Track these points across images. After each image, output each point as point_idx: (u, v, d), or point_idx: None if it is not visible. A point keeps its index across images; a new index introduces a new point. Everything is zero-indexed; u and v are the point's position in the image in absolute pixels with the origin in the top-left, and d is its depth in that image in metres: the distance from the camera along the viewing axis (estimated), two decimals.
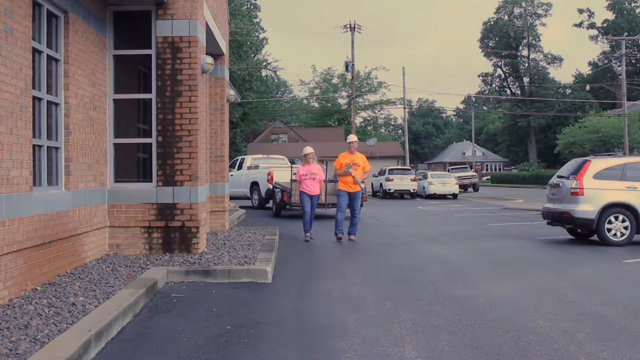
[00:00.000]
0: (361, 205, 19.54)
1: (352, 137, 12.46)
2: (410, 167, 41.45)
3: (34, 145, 6.55)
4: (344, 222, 12.23)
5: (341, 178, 12.16)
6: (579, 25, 78.07)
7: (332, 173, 13.62)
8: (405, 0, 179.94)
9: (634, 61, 70.47)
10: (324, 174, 12.68)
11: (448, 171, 43.62)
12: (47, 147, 7.07)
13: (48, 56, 7.05)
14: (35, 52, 6.68)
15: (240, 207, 20.02)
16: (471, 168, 56.52)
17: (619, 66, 53.56)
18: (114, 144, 8.94)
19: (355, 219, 12.25)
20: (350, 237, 12.13)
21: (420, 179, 34.60)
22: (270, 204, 20.67)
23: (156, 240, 8.79)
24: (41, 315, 5.25)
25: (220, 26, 12.27)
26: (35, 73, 6.66)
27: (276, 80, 73.72)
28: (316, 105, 70.77)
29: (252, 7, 50.59)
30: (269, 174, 19.82)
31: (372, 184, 36.78)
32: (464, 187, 41.53)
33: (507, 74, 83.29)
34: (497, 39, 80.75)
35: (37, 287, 6.31)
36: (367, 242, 12.19)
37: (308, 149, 12.51)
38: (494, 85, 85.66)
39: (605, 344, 5.06)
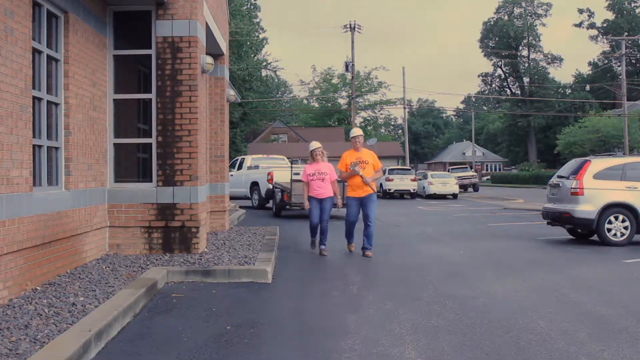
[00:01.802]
0: None
1: (357, 131, 10.25)
2: (410, 167, 41.47)
3: (34, 145, 6.55)
4: (352, 233, 10.48)
5: (349, 182, 10.11)
6: (579, 25, 78.12)
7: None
8: (405, 1, 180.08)
9: (634, 61, 70.49)
10: (337, 174, 10.42)
11: (448, 171, 43.65)
12: (47, 147, 7.07)
13: (48, 56, 7.05)
14: (35, 52, 6.68)
15: (240, 207, 20.02)
16: (471, 168, 56.53)
17: (619, 66, 53.55)
18: (114, 144, 8.94)
19: (370, 229, 9.85)
20: (366, 253, 9.89)
21: (420, 179, 34.60)
22: (270, 204, 20.68)
23: (156, 240, 8.79)
24: (41, 315, 5.25)
25: (220, 26, 12.27)
26: (35, 73, 6.66)
27: (276, 80, 73.73)
28: (316, 105, 70.83)
29: (252, 7, 50.59)
30: (269, 174, 19.82)
31: None
32: (464, 187, 41.55)
33: (507, 74, 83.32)
34: (497, 39, 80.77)
35: (37, 287, 6.31)
36: None
37: (314, 144, 10.29)
38: (494, 85, 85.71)
39: (605, 344, 5.06)
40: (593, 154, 37.20)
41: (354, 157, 10.04)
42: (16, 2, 5.96)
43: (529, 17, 79.87)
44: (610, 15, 76.07)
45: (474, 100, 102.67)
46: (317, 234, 10.29)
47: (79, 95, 7.73)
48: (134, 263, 7.95)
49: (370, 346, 4.97)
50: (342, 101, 65.96)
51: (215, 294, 6.91)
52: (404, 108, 52.37)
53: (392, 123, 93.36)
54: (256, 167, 23.12)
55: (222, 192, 12.77)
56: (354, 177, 9.88)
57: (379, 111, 69.42)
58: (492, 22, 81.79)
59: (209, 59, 9.43)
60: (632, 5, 74.79)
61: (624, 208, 11.64)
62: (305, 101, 76.17)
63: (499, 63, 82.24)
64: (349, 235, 10.44)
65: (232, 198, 20.16)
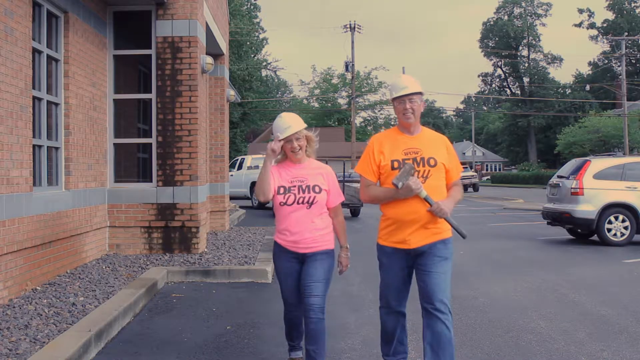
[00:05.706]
0: (361, 205, 19.26)
1: (407, 81, 3.89)
2: None
3: (34, 145, 6.55)
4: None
5: (387, 209, 4.01)
6: (579, 25, 78.05)
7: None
8: (405, 1, 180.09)
9: (634, 61, 70.45)
10: (338, 183, 4.54)
11: None
12: (47, 147, 7.07)
13: (48, 56, 7.05)
14: (35, 52, 6.68)
15: (240, 207, 20.03)
16: (471, 168, 56.51)
17: (619, 66, 53.55)
18: (114, 144, 8.94)
19: (444, 328, 3.71)
20: None
21: None
22: (270, 204, 20.68)
23: (156, 240, 8.79)
24: (41, 315, 5.25)
25: (220, 26, 12.27)
26: (35, 73, 6.66)
27: (276, 80, 73.70)
28: (316, 105, 70.79)
29: (252, 7, 50.58)
30: None
31: None
32: (464, 187, 41.30)
33: (507, 74, 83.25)
34: (497, 39, 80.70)
35: (37, 287, 6.31)
36: (367, 242, 12.15)
37: (288, 119, 4.52)
38: (494, 85, 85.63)
39: (605, 344, 5.06)
40: (593, 154, 37.17)
41: (401, 146, 4.01)
42: (16, 2, 5.96)
43: (528, 17, 79.80)
44: (610, 15, 76.04)
45: (474, 100, 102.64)
46: (297, 335, 4.47)
47: (79, 95, 7.73)
48: (134, 263, 7.95)
49: (371, 346, 4.97)
50: (342, 101, 65.90)
51: (215, 294, 6.91)
52: None
53: (392, 123, 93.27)
54: (256, 167, 23.11)
55: (222, 192, 12.78)
56: (407, 198, 3.90)
57: (379, 111, 69.28)
58: (492, 22, 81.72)
59: (209, 59, 9.43)
60: (632, 5, 74.74)
61: (624, 208, 11.65)
62: (305, 101, 76.14)
63: (499, 63, 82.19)
64: (388, 345, 4.17)
65: (232, 198, 20.16)
